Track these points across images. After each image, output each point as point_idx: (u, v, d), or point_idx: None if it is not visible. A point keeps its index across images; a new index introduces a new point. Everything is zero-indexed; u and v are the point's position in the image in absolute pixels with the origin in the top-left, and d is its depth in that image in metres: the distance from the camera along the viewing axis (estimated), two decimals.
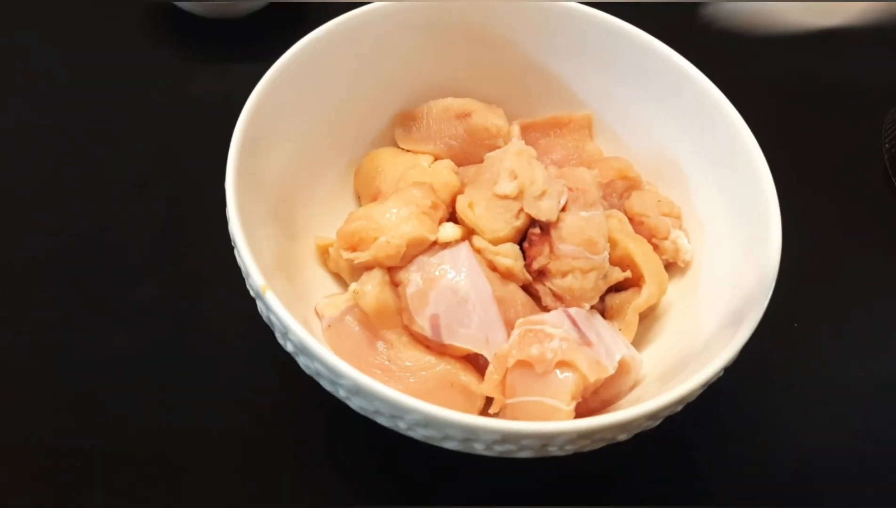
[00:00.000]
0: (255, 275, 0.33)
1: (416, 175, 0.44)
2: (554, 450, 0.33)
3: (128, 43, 0.59)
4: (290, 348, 0.34)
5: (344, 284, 0.44)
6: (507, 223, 0.41)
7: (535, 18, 0.47)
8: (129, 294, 0.46)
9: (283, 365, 0.37)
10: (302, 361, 0.33)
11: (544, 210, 0.41)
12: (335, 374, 0.31)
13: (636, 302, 0.42)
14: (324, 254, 0.44)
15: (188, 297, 0.46)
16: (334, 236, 0.43)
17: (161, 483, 0.39)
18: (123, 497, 0.39)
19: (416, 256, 0.41)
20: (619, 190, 0.47)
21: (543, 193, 0.41)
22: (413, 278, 0.40)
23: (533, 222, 0.42)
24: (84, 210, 0.49)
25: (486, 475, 0.41)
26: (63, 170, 0.51)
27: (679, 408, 0.35)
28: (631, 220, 0.45)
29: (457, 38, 0.48)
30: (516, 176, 0.42)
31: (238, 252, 0.34)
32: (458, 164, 0.47)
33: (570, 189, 0.42)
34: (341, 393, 0.33)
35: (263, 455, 0.41)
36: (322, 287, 0.44)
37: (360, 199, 0.48)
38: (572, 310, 0.40)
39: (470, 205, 0.42)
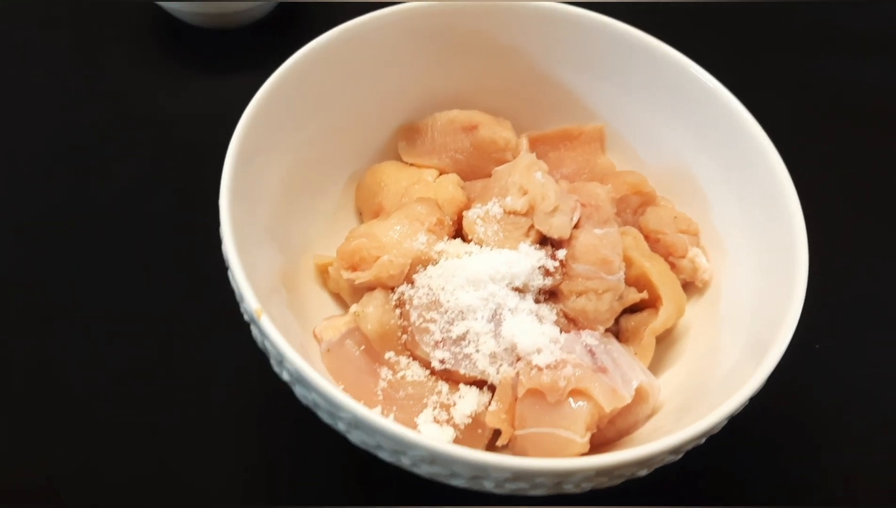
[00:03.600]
0: (250, 299, 0.31)
1: (420, 190, 0.42)
2: (570, 488, 0.30)
3: (126, 53, 0.57)
4: (285, 377, 0.31)
5: (344, 304, 0.42)
6: (517, 240, 0.39)
7: (544, 26, 0.45)
8: (122, 309, 0.44)
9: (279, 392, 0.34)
10: (298, 391, 0.31)
11: (556, 227, 0.39)
12: (334, 406, 0.29)
13: (653, 324, 0.39)
14: (323, 273, 0.42)
15: (181, 317, 0.44)
16: (334, 254, 0.41)
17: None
18: None
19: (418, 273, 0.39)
20: (634, 205, 0.44)
21: (555, 209, 0.39)
22: (417, 299, 0.37)
23: (544, 239, 0.39)
24: (77, 223, 0.48)
25: None
26: (57, 181, 0.49)
27: (703, 441, 0.32)
28: (646, 237, 0.43)
29: (463, 47, 0.46)
30: (526, 191, 0.39)
31: (231, 274, 0.32)
32: (465, 179, 0.45)
33: (582, 205, 0.40)
34: (340, 426, 0.30)
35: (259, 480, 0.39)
36: (322, 308, 0.42)
37: (361, 215, 0.46)
38: (586, 334, 0.38)
39: (478, 221, 0.40)
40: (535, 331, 0.36)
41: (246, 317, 0.32)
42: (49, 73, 0.55)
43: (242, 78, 0.54)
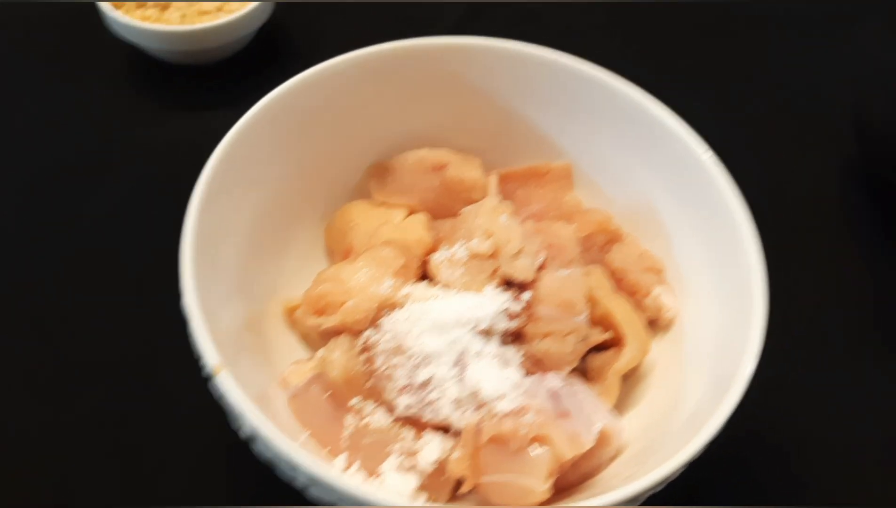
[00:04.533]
0: (209, 355, 0.31)
1: (387, 232, 0.43)
2: None
3: (98, 88, 0.57)
4: (242, 434, 0.32)
5: (314, 346, 0.42)
6: (483, 283, 0.39)
7: (512, 66, 0.46)
8: (88, 351, 0.44)
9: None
10: (256, 448, 0.31)
11: (520, 269, 0.39)
12: (290, 464, 0.29)
13: (617, 364, 0.40)
14: (291, 316, 0.42)
15: (148, 360, 0.44)
16: (302, 296, 0.41)
17: None
18: None
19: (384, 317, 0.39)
20: (600, 243, 0.45)
21: (519, 252, 0.40)
22: (383, 344, 0.38)
23: (510, 282, 0.40)
24: (42, 261, 0.48)
25: None
26: (25, 218, 0.50)
27: (661, 487, 0.33)
28: (611, 275, 0.43)
29: (433, 87, 0.47)
30: (491, 234, 0.40)
31: (191, 328, 0.32)
32: (434, 217, 0.45)
33: (547, 246, 0.41)
34: (298, 483, 0.30)
35: None
36: (290, 351, 0.42)
37: (331, 255, 0.46)
38: (550, 376, 0.38)
39: (443, 265, 0.40)
40: (498, 377, 0.36)
41: (204, 373, 0.32)
42: (20, 109, 0.55)
43: (217, 113, 0.55)
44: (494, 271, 0.40)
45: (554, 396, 0.37)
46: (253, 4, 0.54)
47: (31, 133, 0.54)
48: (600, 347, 0.41)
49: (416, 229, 0.43)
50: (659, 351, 0.43)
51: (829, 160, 0.57)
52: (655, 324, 0.43)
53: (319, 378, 0.38)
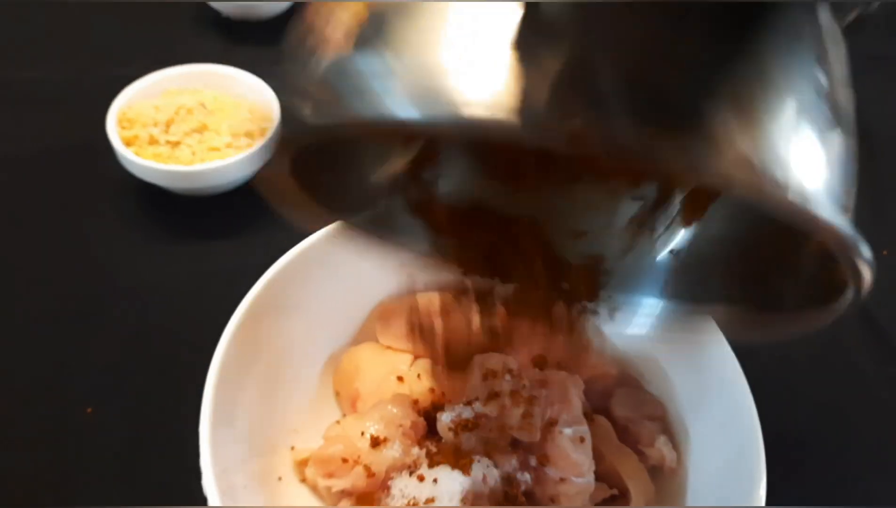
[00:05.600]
0: None
1: (394, 386, 0.44)
2: None
3: (102, 218, 0.58)
4: None
5: (327, 500, 0.43)
6: (489, 446, 0.40)
7: None
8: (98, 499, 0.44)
9: None
10: None
11: (527, 433, 0.40)
12: None
13: None
14: (302, 469, 0.43)
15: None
16: (312, 444, 0.42)
17: None
18: None
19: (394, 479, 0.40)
20: (601, 388, 0.46)
21: (526, 414, 0.41)
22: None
23: (516, 442, 0.41)
24: (40, 402, 0.48)
25: None
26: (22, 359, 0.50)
27: None
28: (614, 424, 0.44)
29: None
30: (497, 394, 0.41)
31: (207, 495, 0.33)
32: (446, 364, 0.46)
33: (552, 403, 0.42)
34: None
35: None
36: (302, 502, 0.43)
37: (339, 398, 0.47)
38: None
39: (450, 426, 0.41)
40: None
41: None
42: (21, 239, 0.56)
43: (223, 244, 0.56)
44: (501, 431, 0.41)
45: None
46: (260, 143, 0.55)
47: (29, 271, 0.55)
48: (604, 501, 0.42)
49: (424, 382, 0.44)
50: (661, 496, 0.43)
51: None
52: (656, 471, 0.44)
53: None
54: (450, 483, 0.38)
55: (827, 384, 0.52)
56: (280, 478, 0.43)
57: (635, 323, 0.46)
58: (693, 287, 0.40)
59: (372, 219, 0.39)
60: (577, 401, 0.42)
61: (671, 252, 0.40)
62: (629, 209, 0.39)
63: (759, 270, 0.36)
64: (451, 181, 0.39)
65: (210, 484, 0.34)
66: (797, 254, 0.31)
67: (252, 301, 0.41)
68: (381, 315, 0.48)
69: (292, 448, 0.44)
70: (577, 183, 0.38)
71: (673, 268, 0.40)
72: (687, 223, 0.39)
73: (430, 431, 0.43)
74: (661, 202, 0.38)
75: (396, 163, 0.37)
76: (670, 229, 0.39)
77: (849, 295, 0.28)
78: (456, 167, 0.39)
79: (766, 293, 0.36)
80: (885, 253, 0.46)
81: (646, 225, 0.39)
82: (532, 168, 0.37)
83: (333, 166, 0.34)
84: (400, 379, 0.44)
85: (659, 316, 0.42)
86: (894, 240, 0.45)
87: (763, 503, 0.36)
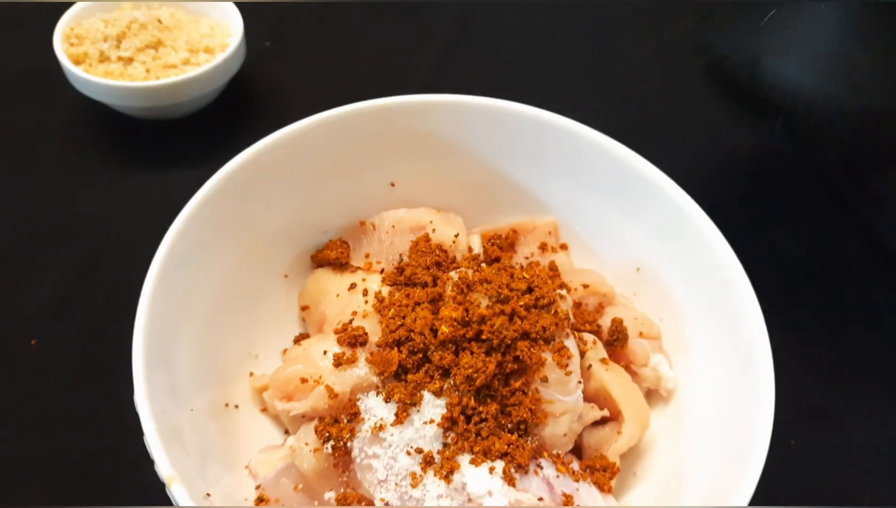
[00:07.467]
0: (162, 465, 0.28)
1: (362, 303, 0.40)
2: None
3: (58, 148, 0.54)
4: None
5: (288, 428, 0.39)
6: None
7: (495, 123, 0.43)
8: (41, 432, 0.40)
9: None
10: None
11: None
12: None
13: (616, 444, 0.37)
14: (261, 396, 0.39)
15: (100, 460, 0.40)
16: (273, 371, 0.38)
17: None
18: None
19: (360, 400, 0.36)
20: (592, 306, 0.42)
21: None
22: (359, 431, 0.34)
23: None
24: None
25: None
26: None
27: None
28: (605, 343, 0.40)
29: (412, 144, 0.44)
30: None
31: (145, 436, 0.29)
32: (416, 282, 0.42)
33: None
34: None
35: None
36: (261, 433, 0.39)
37: (304, 322, 0.43)
38: (544, 462, 0.35)
39: None
40: (485, 470, 0.33)
41: (160, 478, 0.29)
42: None
43: (183, 171, 0.52)
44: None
45: (548, 485, 0.34)
46: (221, 57, 0.51)
47: None
48: (596, 423, 0.38)
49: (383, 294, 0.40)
50: (660, 424, 0.39)
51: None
52: (654, 394, 0.41)
53: (290, 469, 0.35)
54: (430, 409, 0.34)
55: None
56: (237, 406, 0.39)
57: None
58: None
59: None
60: (564, 321, 0.38)
61: None
62: None
63: None
64: None
65: (146, 416, 0.30)
66: None
67: (191, 210, 0.36)
68: (351, 233, 0.44)
69: (251, 374, 0.40)
70: None
71: None
72: None
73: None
74: None
75: None
76: None
77: None
78: None
79: None
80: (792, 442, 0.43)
81: None
82: None
83: None
84: (365, 292, 0.40)
85: None
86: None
87: (769, 429, 0.32)
